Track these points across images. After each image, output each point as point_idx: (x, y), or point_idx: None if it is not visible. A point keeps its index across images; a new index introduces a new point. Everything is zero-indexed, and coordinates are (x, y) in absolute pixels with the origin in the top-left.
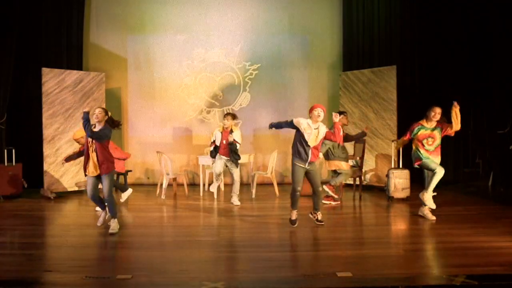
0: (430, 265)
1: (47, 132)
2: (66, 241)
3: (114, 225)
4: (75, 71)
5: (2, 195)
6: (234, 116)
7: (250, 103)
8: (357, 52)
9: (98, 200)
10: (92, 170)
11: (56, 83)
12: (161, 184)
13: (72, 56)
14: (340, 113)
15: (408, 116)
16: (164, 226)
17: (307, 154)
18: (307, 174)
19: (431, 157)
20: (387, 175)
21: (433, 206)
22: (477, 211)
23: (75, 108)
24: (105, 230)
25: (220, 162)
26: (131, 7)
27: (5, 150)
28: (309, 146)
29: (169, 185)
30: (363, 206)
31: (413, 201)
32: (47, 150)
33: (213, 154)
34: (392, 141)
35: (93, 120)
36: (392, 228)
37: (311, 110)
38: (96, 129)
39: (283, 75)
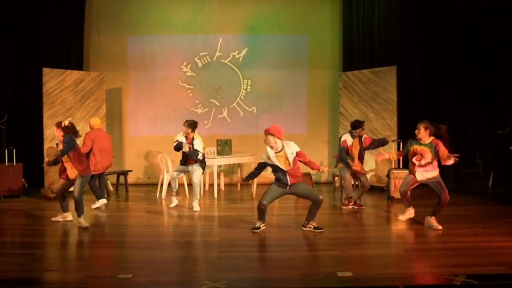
0: (430, 265)
1: (47, 132)
2: (66, 240)
3: (82, 221)
4: (75, 71)
5: (3, 194)
6: (194, 125)
7: (250, 103)
8: (357, 52)
9: (62, 199)
10: (73, 175)
11: (56, 83)
12: (161, 184)
13: (72, 56)
14: (358, 124)
15: (408, 116)
16: (165, 226)
17: (286, 179)
18: (294, 194)
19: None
20: (388, 175)
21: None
22: (477, 211)
23: (76, 108)
24: (106, 230)
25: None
26: (131, 7)
27: (6, 150)
28: (284, 171)
29: (169, 185)
30: (364, 206)
31: (413, 201)
32: (47, 150)
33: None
34: (392, 140)
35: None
36: (392, 228)
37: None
38: (60, 147)
39: (283, 75)
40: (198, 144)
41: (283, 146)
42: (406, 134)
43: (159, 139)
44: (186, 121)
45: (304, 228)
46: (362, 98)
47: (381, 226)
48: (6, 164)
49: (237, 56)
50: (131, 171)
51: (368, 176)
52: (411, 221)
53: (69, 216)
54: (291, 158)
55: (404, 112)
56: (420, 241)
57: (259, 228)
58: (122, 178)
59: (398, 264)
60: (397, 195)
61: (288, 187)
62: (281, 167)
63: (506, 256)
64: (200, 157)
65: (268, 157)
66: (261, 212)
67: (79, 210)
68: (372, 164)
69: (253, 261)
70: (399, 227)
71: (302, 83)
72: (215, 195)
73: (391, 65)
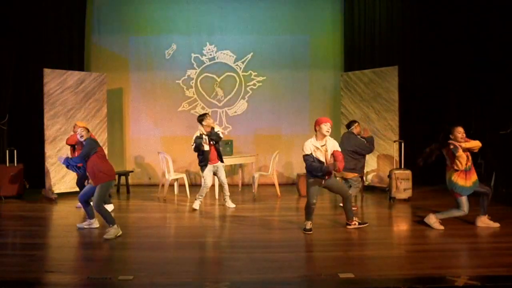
0: (432, 266)
1: (48, 132)
2: (67, 241)
3: (111, 231)
4: (76, 72)
5: (4, 195)
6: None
7: (251, 104)
8: (358, 52)
9: (84, 204)
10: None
11: (57, 84)
12: (163, 185)
13: (73, 56)
14: (351, 123)
15: (410, 117)
16: (166, 227)
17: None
18: (327, 188)
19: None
20: (389, 176)
21: (441, 228)
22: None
23: (77, 109)
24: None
25: (211, 173)
26: (133, 7)
27: (7, 151)
28: (322, 164)
29: (171, 185)
30: (365, 206)
31: (415, 201)
32: (48, 150)
33: (204, 163)
34: (393, 141)
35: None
36: (394, 229)
37: (318, 124)
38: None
39: (284, 76)
40: (217, 128)
41: (326, 140)
42: (408, 135)
43: (160, 139)
44: (204, 114)
45: (349, 227)
46: (364, 98)
47: (382, 227)
48: (7, 164)
49: (237, 57)
50: (132, 171)
51: (370, 176)
52: (413, 222)
53: (95, 223)
54: (329, 153)
55: (406, 113)
56: (422, 242)
57: (311, 229)
58: (123, 178)
59: (400, 265)
60: (398, 195)
61: (323, 181)
62: (322, 160)
63: (509, 257)
64: (221, 135)
65: (314, 151)
66: (310, 212)
67: (107, 220)
68: (373, 165)
69: (255, 262)
70: (400, 228)
71: (304, 84)
72: (216, 196)
73: (392, 65)
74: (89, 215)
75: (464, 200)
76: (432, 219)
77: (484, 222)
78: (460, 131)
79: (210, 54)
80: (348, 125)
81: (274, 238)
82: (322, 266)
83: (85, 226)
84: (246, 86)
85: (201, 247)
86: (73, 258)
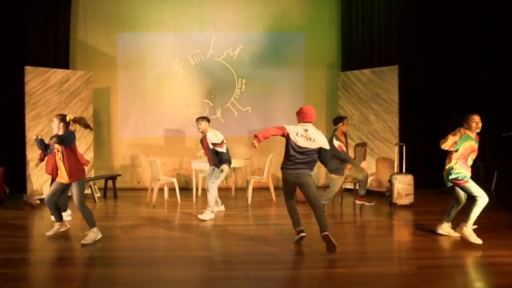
0: (448, 286)
1: (30, 134)
2: (45, 256)
3: (90, 235)
4: (60, 70)
5: None
6: (207, 119)
7: (244, 103)
8: (356, 51)
9: (54, 207)
10: (64, 177)
11: (40, 83)
12: (152, 189)
13: (58, 54)
14: (339, 119)
15: (411, 118)
16: (154, 238)
17: None
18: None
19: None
20: (390, 181)
21: (479, 242)
22: (486, 219)
23: (61, 109)
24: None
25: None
26: (122, 2)
27: None
28: None
29: (161, 189)
30: (365, 213)
31: (417, 207)
32: (30, 153)
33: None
34: (394, 144)
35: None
36: (399, 239)
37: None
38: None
39: (279, 75)
40: (212, 137)
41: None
42: (408, 137)
43: (150, 141)
44: (200, 117)
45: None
46: (362, 99)
47: (386, 237)
48: None
49: (231, 54)
50: (119, 175)
51: (368, 180)
52: (418, 231)
53: (63, 226)
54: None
55: (406, 114)
56: (433, 255)
57: None
58: (110, 182)
59: (413, 284)
60: (400, 201)
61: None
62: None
63: None
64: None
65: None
66: None
67: (89, 221)
68: (372, 168)
69: (252, 281)
70: (406, 238)
71: (299, 83)
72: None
73: (392, 65)
74: (57, 218)
75: (473, 184)
76: (467, 231)
77: (445, 230)
78: (475, 120)
79: (202, 52)
80: (335, 122)
81: (271, 252)
82: (326, 285)
83: (53, 232)
84: (239, 85)
85: (192, 263)
86: (51, 276)
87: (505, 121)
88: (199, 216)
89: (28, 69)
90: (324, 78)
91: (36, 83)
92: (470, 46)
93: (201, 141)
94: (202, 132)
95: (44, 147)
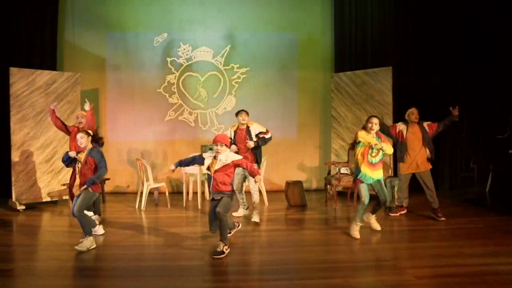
0: None
1: (15, 137)
2: (27, 267)
3: (85, 242)
4: (47, 71)
5: None
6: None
7: (236, 105)
8: (349, 52)
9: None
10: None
11: (25, 84)
12: (141, 194)
13: (45, 55)
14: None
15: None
16: (143, 246)
17: None
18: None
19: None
20: (384, 184)
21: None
22: (482, 223)
23: (47, 112)
24: (80, 253)
25: (237, 175)
26: (110, 2)
27: None
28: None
29: (151, 193)
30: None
31: (412, 211)
32: (15, 157)
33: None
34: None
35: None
36: (394, 246)
37: None
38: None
39: (271, 76)
40: (258, 127)
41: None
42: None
43: (139, 144)
44: (241, 110)
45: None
46: (356, 100)
47: (381, 244)
48: None
49: (222, 55)
50: (108, 179)
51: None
52: (414, 237)
53: (99, 230)
54: None
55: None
56: (431, 264)
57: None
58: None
59: None
60: (395, 205)
61: None
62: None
63: None
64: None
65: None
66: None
67: (85, 229)
68: None
69: None
70: (402, 244)
71: (292, 85)
72: (199, 206)
73: (386, 66)
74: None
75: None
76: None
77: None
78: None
79: (193, 52)
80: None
81: (264, 260)
82: None
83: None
84: (231, 87)
85: (182, 273)
86: None
87: (500, 123)
88: (254, 220)
89: (13, 70)
90: (317, 80)
91: (22, 85)
92: (464, 47)
93: (234, 137)
94: (242, 124)
95: (71, 162)
